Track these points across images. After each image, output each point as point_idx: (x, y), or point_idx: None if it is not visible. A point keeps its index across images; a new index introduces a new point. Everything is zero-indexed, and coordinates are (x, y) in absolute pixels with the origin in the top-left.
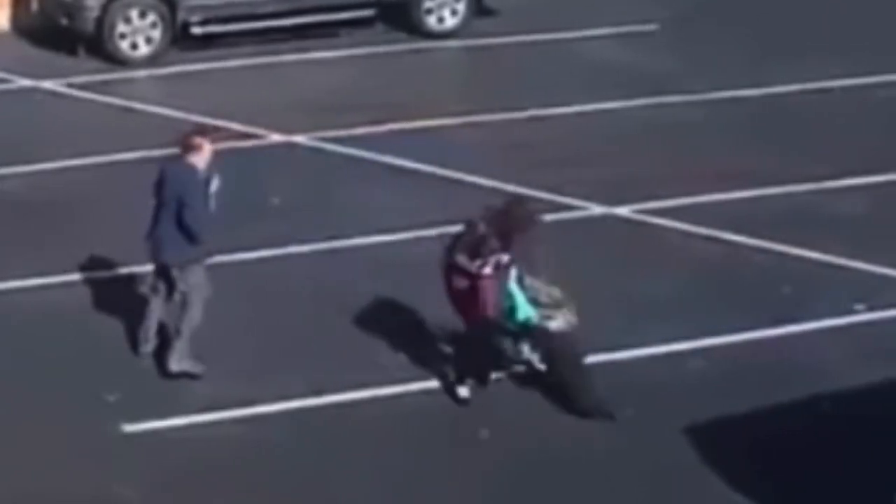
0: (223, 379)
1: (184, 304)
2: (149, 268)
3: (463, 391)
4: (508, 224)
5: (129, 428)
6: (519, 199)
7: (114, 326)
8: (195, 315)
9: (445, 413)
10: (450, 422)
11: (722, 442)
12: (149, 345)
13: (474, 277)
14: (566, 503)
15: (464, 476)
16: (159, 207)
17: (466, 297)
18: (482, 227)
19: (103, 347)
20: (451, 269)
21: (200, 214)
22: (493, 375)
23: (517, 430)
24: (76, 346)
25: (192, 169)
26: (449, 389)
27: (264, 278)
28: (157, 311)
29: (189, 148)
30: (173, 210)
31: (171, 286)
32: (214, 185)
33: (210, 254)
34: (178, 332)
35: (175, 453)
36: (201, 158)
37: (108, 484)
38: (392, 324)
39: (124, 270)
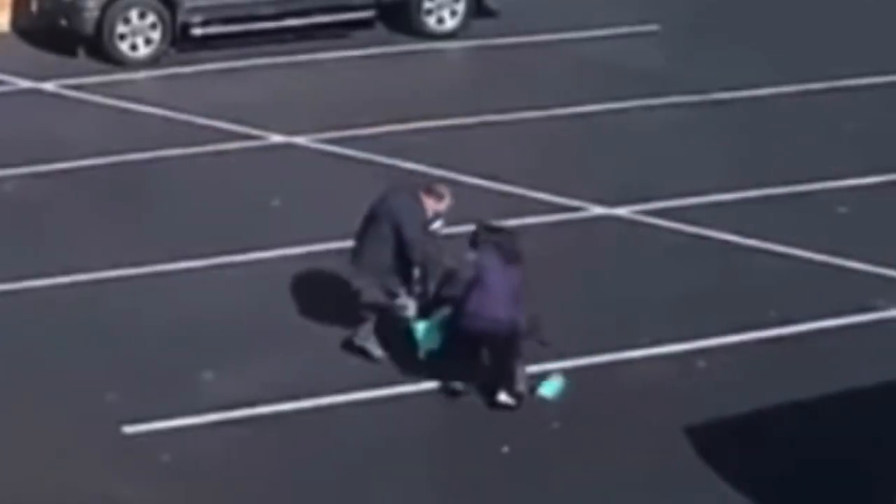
0: (226, 379)
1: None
2: (148, 269)
3: (503, 397)
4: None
5: (130, 429)
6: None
7: (115, 327)
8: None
9: (454, 415)
10: (457, 423)
11: (722, 442)
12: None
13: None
14: (566, 502)
15: (464, 475)
16: (375, 235)
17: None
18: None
19: (104, 347)
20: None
21: (416, 243)
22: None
23: (516, 430)
24: (77, 346)
25: (420, 206)
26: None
27: (269, 279)
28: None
29: (431, 191)
30: (391, 240)
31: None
32: (437, 224)
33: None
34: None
35: (176, 454)
36: (434, 206)
37: (108, 485)
38: (402, 325)
39: (123, 271)
